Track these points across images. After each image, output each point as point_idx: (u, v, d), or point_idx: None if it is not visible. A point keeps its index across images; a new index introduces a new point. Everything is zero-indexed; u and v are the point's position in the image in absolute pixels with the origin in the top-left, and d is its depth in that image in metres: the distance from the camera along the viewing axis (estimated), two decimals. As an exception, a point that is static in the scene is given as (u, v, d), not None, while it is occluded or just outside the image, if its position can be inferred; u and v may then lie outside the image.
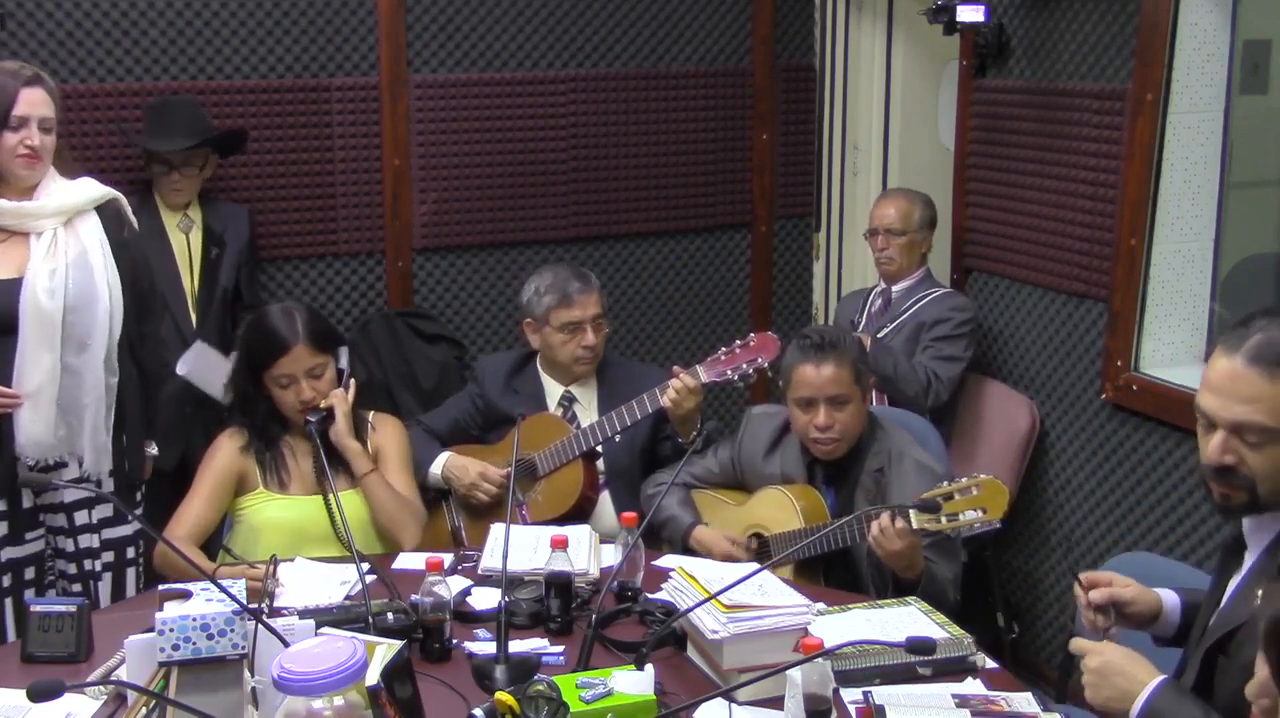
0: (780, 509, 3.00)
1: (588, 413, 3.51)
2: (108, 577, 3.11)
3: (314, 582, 2.78)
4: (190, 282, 3.80)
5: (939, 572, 2.82)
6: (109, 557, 3.10)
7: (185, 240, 3.81)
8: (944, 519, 2.63)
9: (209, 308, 3.80)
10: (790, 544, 2.93)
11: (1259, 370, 1.94)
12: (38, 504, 3.03)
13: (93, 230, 2.99)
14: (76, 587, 3.06)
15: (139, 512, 3.18)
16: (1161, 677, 2.00)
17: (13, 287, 2.89)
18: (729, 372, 3.22)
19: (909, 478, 2.86)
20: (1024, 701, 2.24)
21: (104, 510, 3.06)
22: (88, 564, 3.07)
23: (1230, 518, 2.10)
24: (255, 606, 2.32)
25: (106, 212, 3.04)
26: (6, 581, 2.98)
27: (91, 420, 3.00)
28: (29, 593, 3.00)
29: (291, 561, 2.86)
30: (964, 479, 2.64)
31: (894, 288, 4.06)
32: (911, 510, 2.68)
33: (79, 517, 3.04)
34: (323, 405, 3.04)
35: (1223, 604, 2.10)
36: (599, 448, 3.38)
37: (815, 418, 2.96)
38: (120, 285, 3.00)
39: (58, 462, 2.99)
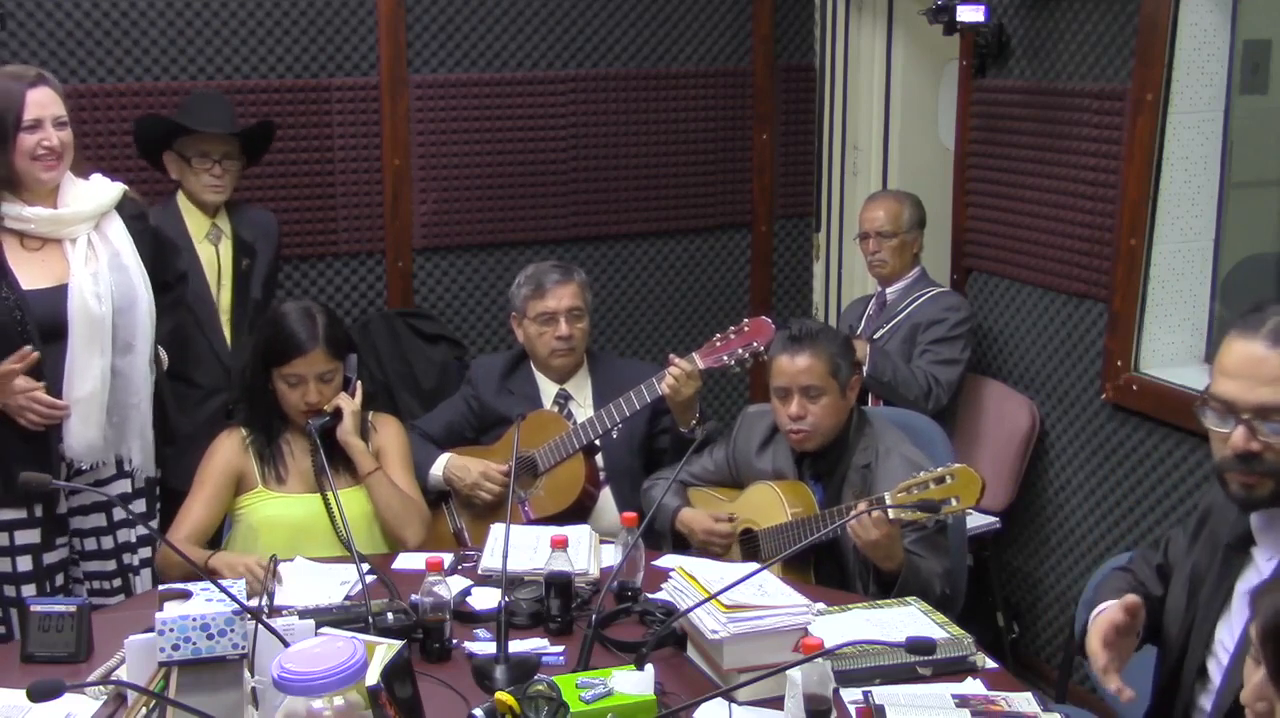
0: (768, 503, 3.02)
1: (584, 411, 3.51)
2: (145, 572, 3.12)
3: (314, 582, 2.78)
4: (221, 296, 3.63)
5: (924, 566, 2.83)
6: (145, 552, 3.11)
7: (214, 252, 3.61)
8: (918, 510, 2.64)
9: (242, 323, 3.64)
10: (777, 537, 2.96)
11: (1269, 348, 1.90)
12: (71, 508, 3.02)
13: (119, 231, 3.00)
14: (117, 582, 3.06)
15: (158, 505, 3.18)
16: None
17: (57, 294, 2.89)
18: (725, 357, 3.22)
19: (895, 473, 2.86)
20: (1024, 701, 2.24)
21: (138, 506, 3.06)
22: (127, 559, 3.07)
23: (1251, 510, 2.04)
24: (255, 605, 2.32)
25: (126, 209, 3.04)
26: (47, 586, 2.95)
27: (139, 421, 3.02)
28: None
29: (291, 560, 2.86)
30: (938, 469, 2.66)
31: (888, 290, 4.06)
32: (887, 498, 2.69)
33: (118, 512, 3.04)
34: (328, 409, 3.04)
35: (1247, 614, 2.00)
36: (598, 443, 3.38)
37: (788, 408, 2.99)
38: (150, 282, 3.01)
39: (96, 464, 2.99)
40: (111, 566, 3.06)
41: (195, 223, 3.62)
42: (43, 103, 2.88)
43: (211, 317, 3.60)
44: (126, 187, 3.06)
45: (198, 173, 3.59)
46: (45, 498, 2.92)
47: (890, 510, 2.67)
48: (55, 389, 2.88)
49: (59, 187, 2.94)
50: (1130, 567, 2.37)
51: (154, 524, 3.12)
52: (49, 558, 2.96)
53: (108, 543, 3.05)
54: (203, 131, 3.58)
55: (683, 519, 3.14)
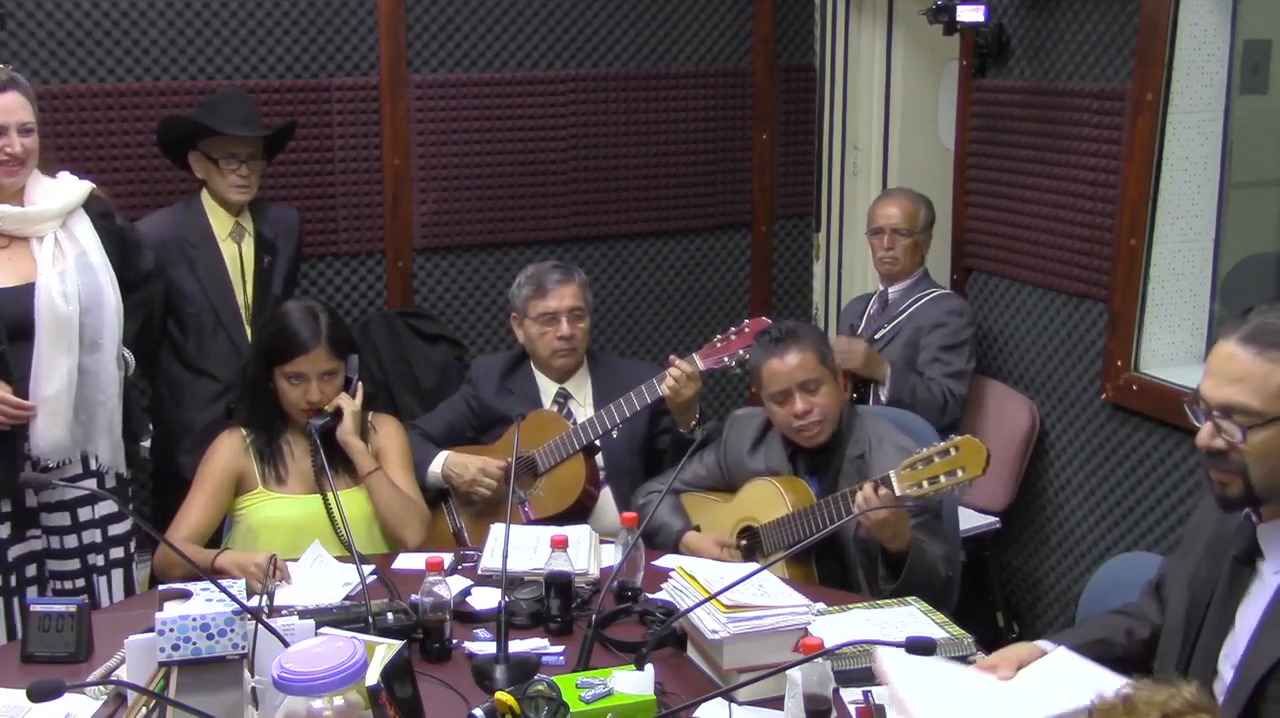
0: (768, 498, 3.02)
1: (584, 410, 3.51)
2: (115, 573, 3.11)
3: (321, 578, 2.79)
4: (244, 294, 3.63)
5: (928, 548, 2.83)
6: (117, 552, 3.11)
7: (237, 250, 3.62)
8: (925, 484, 2.64)
9: (262, 320, 3.63)
10: (779, 530, 2.95)
11: (1249, 349, 1.92)
12: (40, 504, 3.02)
13: (86, 229, 3.00)
14: (80, 582, 3.06)
15: (130, 507, 3.19)
16: None
17: (24, 293, 2.89)
18: (725, 358, 3.23)
19: (890, 460, 2.87)
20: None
21: (107, 507, 3.06)
22: (91, 560, 3.07)
23: (1230, 511, 2.03)
24: (255, 605, 2.32)
25: (93, 207, 3.04)
26: (12, 580, 2.97)
27: (107, 419, 3.02)
28: (32, 591, 3.00)
29: (311, 546, 2.88)
30: (940, 443, 2.65)
31: (891, 289, 4.06)
32: (893, 475, 2.69)
33: (83, 513, 3.04)
34: (329, 409, 3.05)
35: (1252, 631, 1.97)
36: (598, 443, 3.39)
37: (792, 407, 2.99)
38: (117, 281, 3.02)
39: (63, 462, 2.99)
40: (74, 565, 3.06)
41: (219, 221, 3.64)
42: (9, 108, 2.88)
43: (233, 313, 3.61)
44: (94, 185, 3.06)
45: (224, 173, 3.59)
46: (12, 492, 2.93)
47: (898, 487, 2.66)
48: (22, 388, 2.88)
49: (26, 185, 2.94)
50: (1128, 610, 2.32)
51: (130, 524, 3.12)
52: (17, 551, 2.97)
53: (71, 542, 3.05)
54: (229, 133, 3.58)
55: (687, 544, 3.12)
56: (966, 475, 2.59)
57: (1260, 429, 1.90)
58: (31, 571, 3.02)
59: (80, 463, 3.03)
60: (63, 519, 3.04)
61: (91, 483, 3.04)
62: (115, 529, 3.10)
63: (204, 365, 3.55)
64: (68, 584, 3.06)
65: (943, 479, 2.61)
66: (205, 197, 3.64)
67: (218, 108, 3.66)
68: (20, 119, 2.89)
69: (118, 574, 3.13)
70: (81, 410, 2.96)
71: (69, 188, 3.01)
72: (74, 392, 2.93)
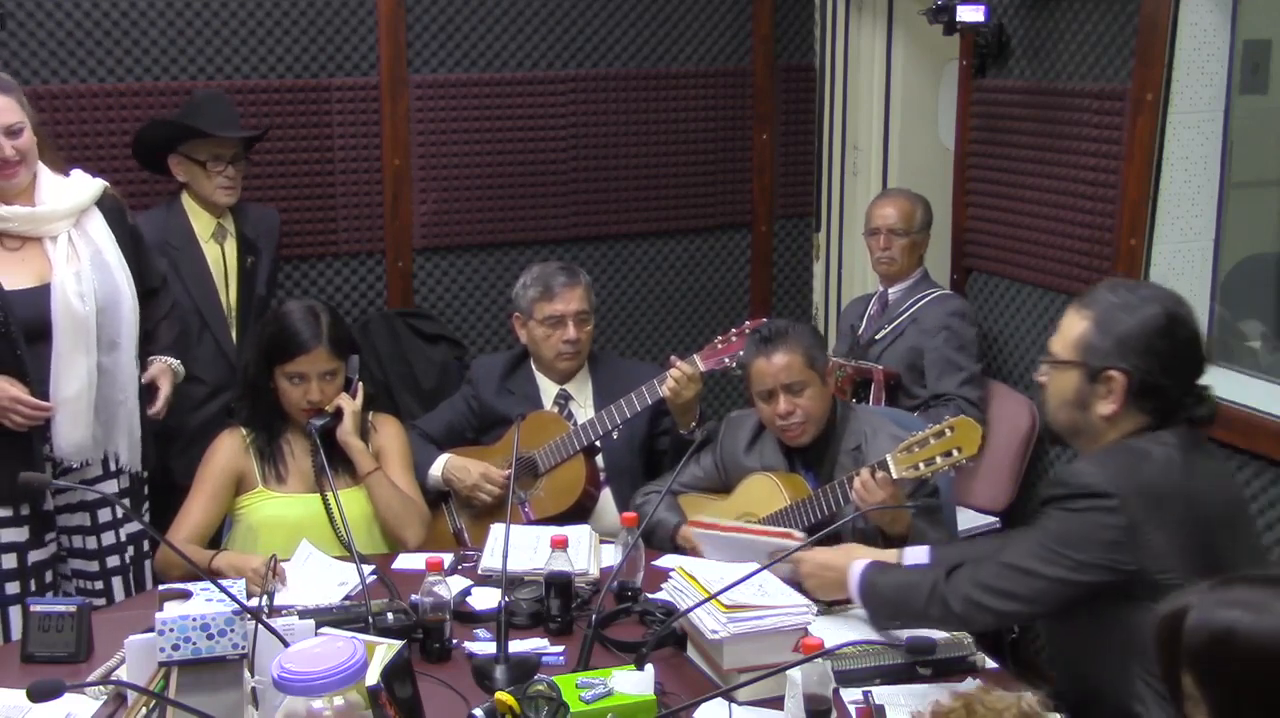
0: (766, 493, 3.03)
1: (584, 411, 3.51)
2: (130, 572, 3.10)
3: (316, 581, 2.79)
4: (228, 296, 3.63)
5: (928, 536, 2.84)
6: (131, 552, 3.10)
7: (220, 251, 3.62)
8: (922, 466, 2.65)
9: (248, 321, 3.64)
10: (777, 523, 2.96)
11: (1071, 308, 2.32)
12: (57, 506, 3.00)
13: (100, 227, 2.97)
14: (99, 584, 3.04)
15: (146, 505, 3.17)
16: (865, 560, 2.45)
17: (40, 294, 2.85)
18: (726, 359, 3.24)
19: (886, 448, 2.87)
20: (1024, 701, 2.24)
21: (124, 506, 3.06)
22: (110, 561, 3.05)
23: (1050, 443, 2.40)
24: (255, 605, 2.32)
25: (106, 204, 3.01)
26: (31, 585, 2.94)
27: (127, 418, 3.00)
28: (49, 596, 2.98)
29: (300, 546, 2.88)
30: (936, 425, 2.68)
31: (891, 290, 4.05)
32: (889, 459, 2.70)
33: (102, 514, 3.03)
34: (329, 409, 3.05)
35: None
36: (599, 444, 3.39)
37: (776, 407, 3.01)
38: (133, 279, 3.00)
39: (84, 462, 2.97)
40: (95, 566, 3.04)
41: (201, 223, 3.63)
42: None
43: (218, 315, 3.60)
44: (107, 183, 3.04)
45: (212, 175, 3.58)
46: (31, 496, 2.91)
47: (895, 470, 2.68)
48: (42, 390, 2.85)
49: (35, 184, 2.91)
50: None
51: (146, 521, 3.11)
52: (36, 556, 2.94)
53: (91, 543, 3.03)
54: (220, 135, 3.57)
55: (685, 535, 3.13)
56: (963, 455, 2.62)
57: (1050, 368, 2.31)
58: (49, 577, 2.99)
59: (101, 465, 3.01)
60: (83, 520, 3.02)
61: (111, 483, 3.02)
62: (130, 529, 3.09)
63: (190, 369, 3.52)
64: (89, 584, 3.04)
65: (939, 460, 2.63)
66: (186, 199, 3.63)
67: (200, 110, 3.65)
68: (7, 121, 2.83)
69: (132, 573, 3.11)
70: (102, 410, 2.94)
71: (80, 186, 2.97)
72: (94, 392, 2.91)
